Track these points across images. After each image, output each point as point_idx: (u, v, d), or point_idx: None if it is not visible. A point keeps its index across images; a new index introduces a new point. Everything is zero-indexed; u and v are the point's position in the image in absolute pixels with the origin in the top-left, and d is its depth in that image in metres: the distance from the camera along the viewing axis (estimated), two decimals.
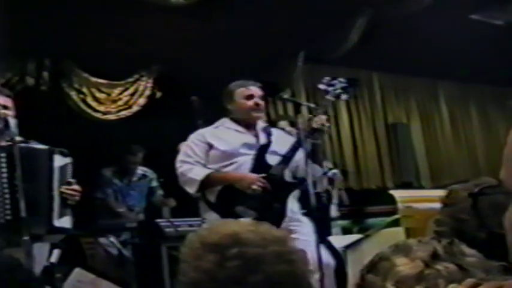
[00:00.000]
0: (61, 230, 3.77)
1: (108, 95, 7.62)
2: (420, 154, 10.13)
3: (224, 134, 4.48)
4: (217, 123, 4.61)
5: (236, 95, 4.52)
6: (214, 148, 4.39)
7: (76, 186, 3.84)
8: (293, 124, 5.39)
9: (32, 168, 3.66)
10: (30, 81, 7.14)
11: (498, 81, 10.32)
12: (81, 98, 7.45)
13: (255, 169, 4.27)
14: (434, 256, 1.20)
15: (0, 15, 6.17)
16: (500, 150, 1.10)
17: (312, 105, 4.89)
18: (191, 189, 4.27)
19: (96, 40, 6.87)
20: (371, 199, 7.48)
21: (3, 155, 3.63)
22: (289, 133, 4.97)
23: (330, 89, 4.46)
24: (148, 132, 7.51)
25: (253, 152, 4.37)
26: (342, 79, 4.48)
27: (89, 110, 7.49)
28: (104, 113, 7.57)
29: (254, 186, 4.15)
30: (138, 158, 6.99)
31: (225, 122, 4.57)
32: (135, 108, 7.72)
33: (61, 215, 3.75)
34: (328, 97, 4.46)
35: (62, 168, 3.83)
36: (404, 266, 1.20)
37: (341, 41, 7.92)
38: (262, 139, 4.47)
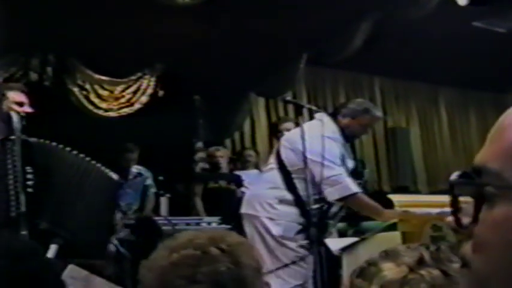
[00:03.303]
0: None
1: (111, 92, 7.65)
2: (418, 159, 10.18)
3: (345, 151, 4.56)
4: (331, 127, 4.54)
5: (371, 121, 4.67)
6: None
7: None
8: (298, 125, 5.43)
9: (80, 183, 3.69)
10: (33, 76, 7.17)
11: (498, 88, 10.36)
12: (83, 95, 7.48)
13: None
14: (420, 262, 1.23)
15: (5, 10, 6.21)
16: None
17: (314, 107, 4.95)
18: (336, 196, 4.33)
19: (100, 37, 6.90)
20: None
21: (11, 147, 3.66)
22: None
23: None
24: (149, 130, 7.54)
25: None
26: None
27: (90, 107, 7.51)
28: (106, 110, 7.60)
29: None
30: (135, 156, 7.04)
31: (335, 131, 4.54)
32: (136, 106, 7.74)
33: None
34: None
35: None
36: (389, 270, 1.23)
37: (344, 44, 7.95)
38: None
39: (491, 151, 0.77)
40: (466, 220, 0.77)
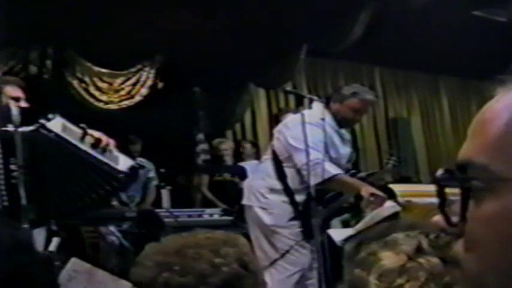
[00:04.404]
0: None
1: (110, 84, 7.64)
2: (420, 149, 10.17)
3: (333, 137, 4.55)
4: (319, 113, 4.48)
5: (361, 104, 4.62)
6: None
7: None
8: None
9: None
10: (33, 69, 7.17)
11: (498, 76, 10.34)
12: (83, 87, 7.48)
13: None
14: (419, 250, 1.22)
15: (4, 3, 6.20)
16: None
17: (315, 97, 4.96)
18: (319, 179, 4.27)
19: (99, 30, 6.89)
20: None
21: None
22: None
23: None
24: (150, 123, 7.54)
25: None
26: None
27: (91, 100, 7.51)
28: (106, 103, 7.60)
29: (372, 198, 4.26)
30: (138, 147, 7.05)
31: (327, 117, 4.51)
32: (137, 98, 7.74)
33: None
34: None
35: None
36: (388, 259, 1.23)
37: (344, 34, 7.93)
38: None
39: (475, 145, 0.75)
40: (455, 219, 0.74)
